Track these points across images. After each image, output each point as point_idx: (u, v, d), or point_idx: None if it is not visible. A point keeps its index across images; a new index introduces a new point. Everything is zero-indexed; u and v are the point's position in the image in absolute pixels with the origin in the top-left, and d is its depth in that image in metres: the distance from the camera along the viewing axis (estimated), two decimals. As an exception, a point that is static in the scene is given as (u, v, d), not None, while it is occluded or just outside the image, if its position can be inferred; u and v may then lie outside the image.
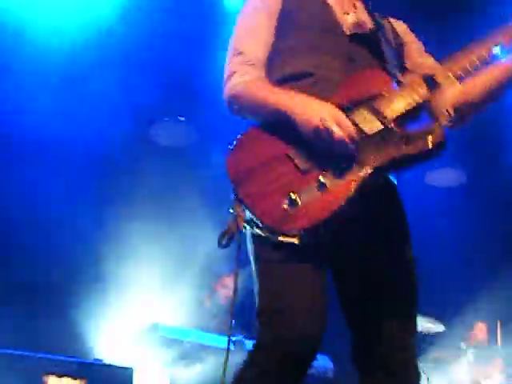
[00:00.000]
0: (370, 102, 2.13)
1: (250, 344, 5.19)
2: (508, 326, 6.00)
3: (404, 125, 2.12)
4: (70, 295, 5.54)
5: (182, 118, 6.35)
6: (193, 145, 6.57)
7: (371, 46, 2.33)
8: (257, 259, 2.13)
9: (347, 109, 2.11)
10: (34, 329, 5.26)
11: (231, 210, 2.06)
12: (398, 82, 2.23)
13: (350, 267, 2.19)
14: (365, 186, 2.01)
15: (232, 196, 2.08)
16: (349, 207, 1.97)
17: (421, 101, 2.15)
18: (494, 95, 2.27)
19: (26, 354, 4.38)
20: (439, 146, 2.04)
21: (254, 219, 2.02)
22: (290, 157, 2.08)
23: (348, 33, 2.32)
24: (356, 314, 2.20)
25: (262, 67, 2.27)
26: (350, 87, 2.19)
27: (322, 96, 2.13)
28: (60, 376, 4.39)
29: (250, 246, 2.16)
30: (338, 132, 2.03)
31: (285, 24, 2.30)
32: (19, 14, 5.42)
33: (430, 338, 5.86)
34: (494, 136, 6.81)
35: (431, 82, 2.17)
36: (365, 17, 2.41)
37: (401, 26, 2.51)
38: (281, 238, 1.97)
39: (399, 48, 2.42)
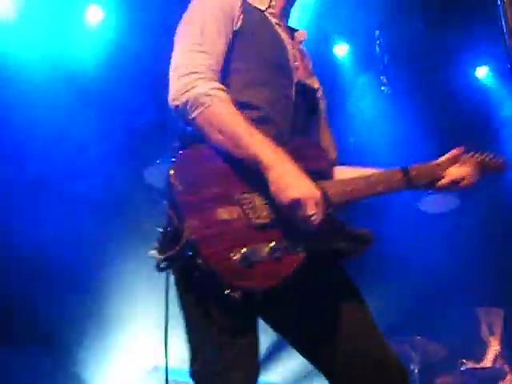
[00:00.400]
0: (317, 179, 2.12)
1: None
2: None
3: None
4: (71, 336, 5.51)
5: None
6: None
7: (312, 104, 2.41)
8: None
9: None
10: (35, 369, 5.22)
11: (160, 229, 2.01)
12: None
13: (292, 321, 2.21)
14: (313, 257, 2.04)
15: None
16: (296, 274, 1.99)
17: (361, 196, 2.26)
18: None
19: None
20: (369, 246, 2.15)
21: (198, 259, 1.91)
22: (239, 202, 2.03)
23: (296, 79, 2.35)
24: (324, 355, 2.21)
25: (218, 75, 2.20)
26: (301, 154, 2.17)
27: (272, 136, 2.11)
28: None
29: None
30: (314, 216, 2.01)
31: (244, 48, 2.28)
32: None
33: (434, 364, 5.84)
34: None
35: None
36: (310, 69, 2.49)
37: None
38: (227, 292, 1.91)
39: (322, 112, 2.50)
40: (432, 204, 7.12)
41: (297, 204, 1.99)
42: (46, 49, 5.52)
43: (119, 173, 6.00)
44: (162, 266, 1.97)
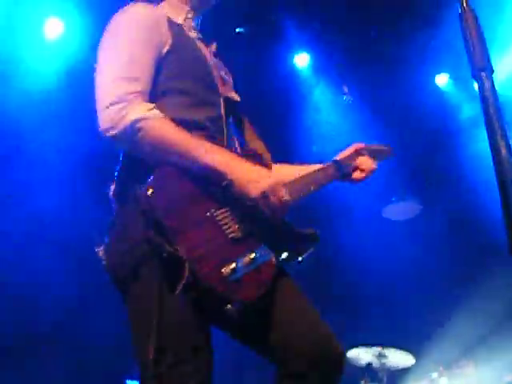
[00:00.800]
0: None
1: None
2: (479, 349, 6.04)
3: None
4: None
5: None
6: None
7: (238, 114, 2.50)
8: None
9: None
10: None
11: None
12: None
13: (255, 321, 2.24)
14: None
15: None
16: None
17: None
18: None
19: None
20: None
21: (191, 277, 1.95)
22: (216, 219, 2.09)
23: (222, 94, 2.40)
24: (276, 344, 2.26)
25: (147, 99, 2.19)
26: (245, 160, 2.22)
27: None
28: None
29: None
30: (286, 198, 2.16)
31: (177, 67, 2.29)
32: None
33: (401, 372, 5.86)
34: (444, 164, 6.98)
35: None
36: (230, 82, 2.54)
37: None
38: (227, 307, 1.97)
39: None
40: (395, 211, 7.20)
41: (265, 195, 2.11)
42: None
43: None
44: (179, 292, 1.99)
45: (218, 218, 2.09)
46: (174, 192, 2.07)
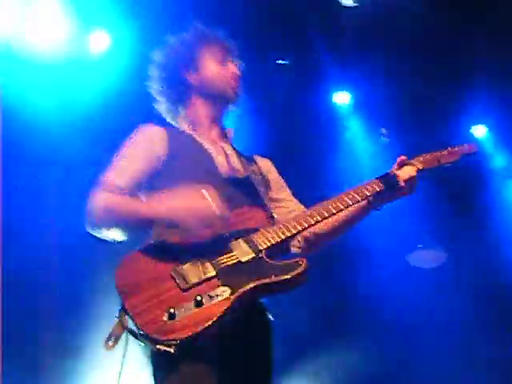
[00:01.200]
0: (247, 235, 2.46)
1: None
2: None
3: (276, 256, 2.45)
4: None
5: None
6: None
7: (245, 188, 2.69)
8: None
9: (226, 238, 2.44)
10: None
11: (116, 316, 2.27)
12: (272, 217, 2.64)
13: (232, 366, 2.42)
14: (240, 305, 2.28)
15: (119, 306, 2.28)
16: (223, 323, 2.23)
17: (289, 235, 2.49)
18: (338, 234, 2.80)
19: None
20: (302, 275, 2.34)
21: (135, 329, 2.22)
22: (172, 276, 2.33)
23: (225, 176, 2.69)
24: None
25: (129, 192, 2.55)
26: (231, 221, 2.46)
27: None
28: None
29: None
30: (214, 204, 2.35)
31: (171, 168, 2.64)
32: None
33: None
34: (473, 213, 6.90)
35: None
36: (237, 161, 2.80)
37: (265, 164, 2.95)
38: (158, 347, 2.17)
39: (266, 185, 2.83)
40: (421, 258, 7.13)
41: (189, 215, 2.34)
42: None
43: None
44: None
45: (173, 276, 2.33)
46: (132, 264, 2.39)
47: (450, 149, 2.94)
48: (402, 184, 2.69)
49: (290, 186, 2.98)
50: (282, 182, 2.96)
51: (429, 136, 6.48)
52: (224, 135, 2.90)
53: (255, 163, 2.89)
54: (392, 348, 6.73)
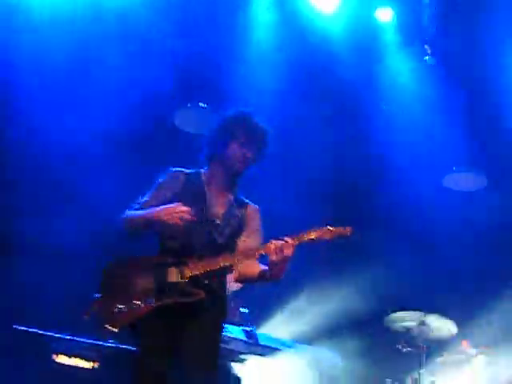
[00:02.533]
0: (181, 266, 3.41)
1: (261, 335, 5.21)
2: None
3: (200, 284, 3.41)
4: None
5: (204, 105, 6.29)
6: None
7: (219, 228, 3.57)
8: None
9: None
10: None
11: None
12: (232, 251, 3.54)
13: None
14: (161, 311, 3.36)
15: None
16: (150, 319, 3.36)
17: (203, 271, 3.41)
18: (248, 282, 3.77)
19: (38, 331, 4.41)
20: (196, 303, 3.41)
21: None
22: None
23: (208, 216, 3.57)
24: None
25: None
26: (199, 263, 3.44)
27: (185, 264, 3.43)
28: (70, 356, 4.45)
29: None
30: (183, 210, 3.37)
31: (177, 199, 3.50)
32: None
33: (439, 342, 5.82)
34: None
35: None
36: (225, 210, 3.63)
37: (253, 211, 3.73)
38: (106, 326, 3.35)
39: (240, 229, 3.64)
40: (457, 181, 7.01)
41: (168, 213, 3.37)
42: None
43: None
44: None
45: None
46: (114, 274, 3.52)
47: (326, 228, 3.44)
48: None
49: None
50: (256, 230, 3.69)
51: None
52: (230, 189, 3.69)
53: (245, 209, 3.69)
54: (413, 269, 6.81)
